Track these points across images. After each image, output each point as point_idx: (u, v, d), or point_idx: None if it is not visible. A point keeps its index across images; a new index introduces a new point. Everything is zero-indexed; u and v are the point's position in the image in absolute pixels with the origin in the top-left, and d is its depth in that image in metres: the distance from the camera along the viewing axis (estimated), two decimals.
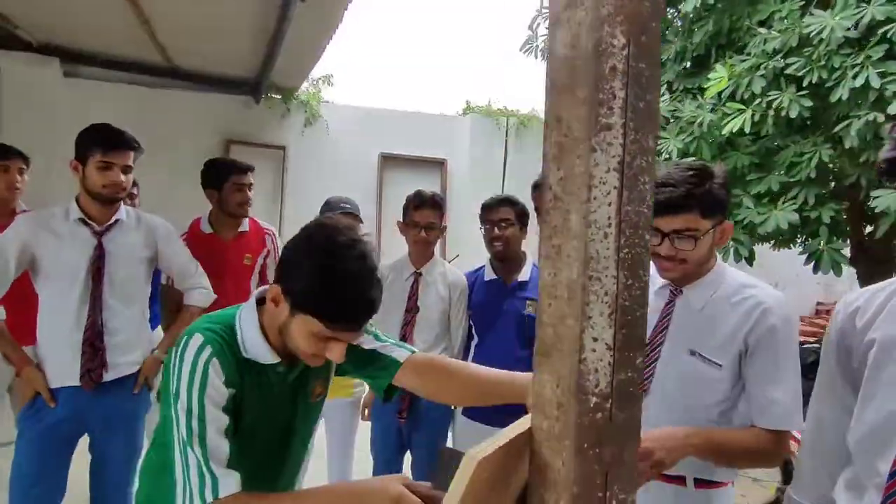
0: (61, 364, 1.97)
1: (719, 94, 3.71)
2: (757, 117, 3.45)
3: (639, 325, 0.53)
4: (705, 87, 3.98)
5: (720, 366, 1.35)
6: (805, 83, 3.28)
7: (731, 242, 3.86)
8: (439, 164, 6.56)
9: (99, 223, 2.04)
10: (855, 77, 3.06)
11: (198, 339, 1.01)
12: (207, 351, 1.00)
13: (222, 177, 2.47)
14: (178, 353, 1.01)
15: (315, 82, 6.43)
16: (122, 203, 2.11)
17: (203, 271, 2.24)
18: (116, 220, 2.07)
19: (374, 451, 2.42)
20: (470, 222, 2.51)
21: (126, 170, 2.02)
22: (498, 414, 2.03)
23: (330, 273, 0.95)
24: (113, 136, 2.00)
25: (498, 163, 6.61)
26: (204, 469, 0.94)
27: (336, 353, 1.00)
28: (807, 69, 3.27)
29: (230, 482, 0.94)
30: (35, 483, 1.94)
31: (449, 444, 2.30)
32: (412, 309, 2.35)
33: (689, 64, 4.21)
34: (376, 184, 6.35)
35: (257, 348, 1.06)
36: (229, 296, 2.30)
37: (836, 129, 3.24)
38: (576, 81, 0.51)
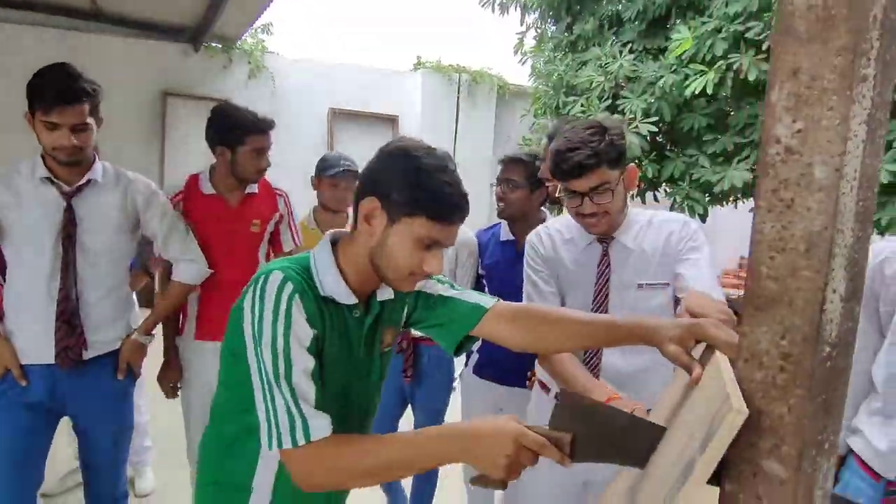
0: (34, 339, 1.73)
1: (679, 55, 3.82)
2: (717, 79, 3.59)
3: (861, 275, 0.55)
4: (667, 47, 4.08)
5: (667, 284, 1.51)
6: (763, 47, 3.43)
7: (687, 201, 4.06)
8: (391, 121, 6.40)
9: (68, 183, 1.74)
10: None
11: (277, 275, 0.94)
12: (289, 287, 0.93)
13: (238, 136, 2.04)
14: (258, 291, 0.94)
15: (254, 31, 6.04)
16: (97, 159, 1.82)
17: (194, 239, 2.00)
18: (89, 181, 1.77)
19: None
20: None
21: (80, 128, 1.67)
22: (507, 373, 2.07)
23: (430, 170, 0.96)
24: (55, 88, 1.62)
25: (450, 119, 6.54)
26: (293, 409, 0.89)
27: (435, 263, 0.99)
28: (765, 34, 3.42)
29: (322, 424, 0.90)
30: (7, 468, 1.73)
31: (455, 402, 2.31)
32: None
33: (645, 25, 4.28)
34: (326, 139, 6.12)
35: (336, 287, 1.01)
36: (234, 268, 2.05)
37: None
38: (831, 31, 0.50)
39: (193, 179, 2.15)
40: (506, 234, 2.16)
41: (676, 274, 1.49)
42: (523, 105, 6.88)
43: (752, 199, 4.20)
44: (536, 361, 1.60)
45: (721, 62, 3.59)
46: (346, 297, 1.02)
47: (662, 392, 1.00)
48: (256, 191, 2.17)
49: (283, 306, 0.92)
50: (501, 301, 1.14)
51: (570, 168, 1.36)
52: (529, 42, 5.44)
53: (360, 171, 2.35)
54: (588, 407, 0.84)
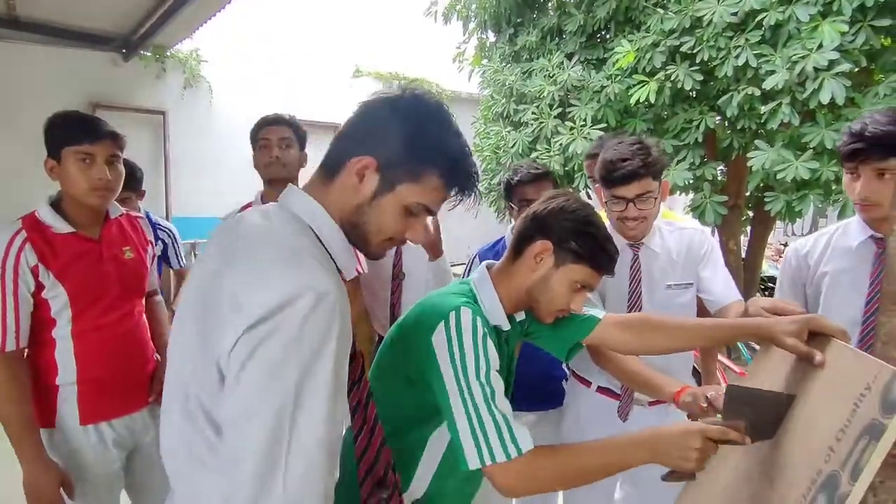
0: None
1: (621, 66, 4.16)
2: (657, 88, 3.95)
3: None
4: (606, 58, 4.42)
5: (690, 284, 1.75)
6: (698, 60, 3.83)
7: None
8: (333, 129, 6.38)
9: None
10: (737, 57, 3.65)
11: (467, 312, 1.05)
12: (479, 321, 1.05)
13: (253, 131, 2.00)
14: (455, 328, 1.04)
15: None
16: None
17: None
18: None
19: None
20: None
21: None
22: (526, 401, 2.07)
23: (599, 228, 1.16)
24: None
25: None
26: (503, 428, 1.00)
27: (581, 303, 1.18)
28: (698, 48, 3.82)
29: (527, 437, 1.01)
30: None
31: None
32: (398, 276, 2.36)
33: (585, 37, 4.60)
34: None
35: (499, 317, 1.15)
36: None
37: (720, 100, 3.85)
38: None
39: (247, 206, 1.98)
40: None
41: (700, 276, 1.72)
42: (461, 111, 7.09)
43: (690, 193, 4.64)
44: (593, 363, 1.72)
45: (660, 73, 3.95)
46: (506, 325, 1.15)
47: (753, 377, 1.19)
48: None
49: (479, 339, 1.04)
50: (610, 313, 1.31)
51: (622, 176, 1.55)
52: (470, 51, 5.65)
53: None
54: (755, 395, 1.00)
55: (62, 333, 1.57)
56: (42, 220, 1.57)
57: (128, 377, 1.68)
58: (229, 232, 0.86)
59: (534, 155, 4.40)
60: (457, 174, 0.92)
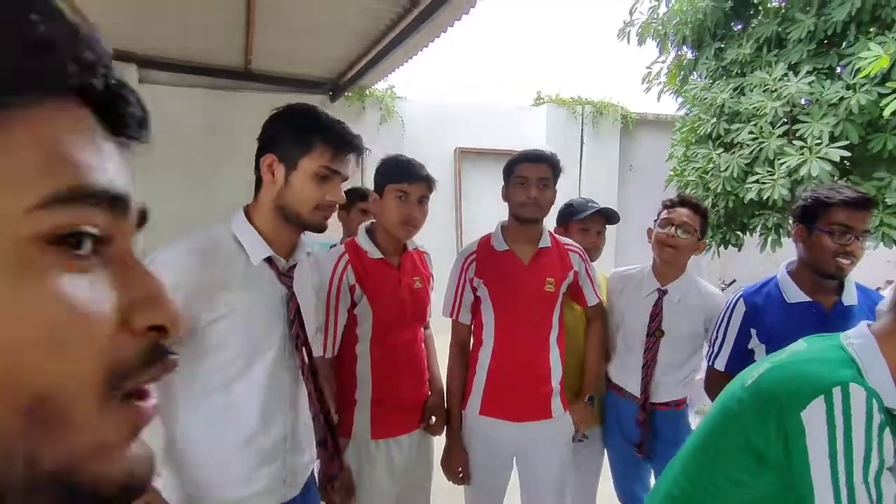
0: None
1: (868, 74, 3.55)
2: None
3: None
4: (836, 66, 3.84)
5: None
6: None
7: (883, 228, 3.73)
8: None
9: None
10: None
11: (860, 391, 0.84)
12: (876, 406, 0.84)
13: (509, 168, 1.94)
14: (840, 409, 0.84)
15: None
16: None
17: None
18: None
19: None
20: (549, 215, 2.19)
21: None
22: None
23: None
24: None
25: (574, 152, 6.44)
26: None
27: None
28: None
29: None
30: None
31: None
32: (656, 332, 2.02)
33: (815, 45, 4.04)
34: (453, 178, 6.16)
35: (892, 395, 0.90)
36: (519, 327, 1.86)
37: None
38: None
39: (486, 238, 1.99)
40: (795, 294, 1.70)
41: None
42: (647, 134, 6.70)
43: None
44: None
45: None
46: None
47: None
48: (549, 244, 1.95)
49: (875, 429, 0.83)
50: None
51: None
52: (663, 70, 5.29)
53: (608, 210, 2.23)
54: None
55: (363, 350, 1.72)
56: (360, 245, 1.75)
57: (410, 398, 1.80)
58: None
59: (752, 179, 3.93)
60: None
